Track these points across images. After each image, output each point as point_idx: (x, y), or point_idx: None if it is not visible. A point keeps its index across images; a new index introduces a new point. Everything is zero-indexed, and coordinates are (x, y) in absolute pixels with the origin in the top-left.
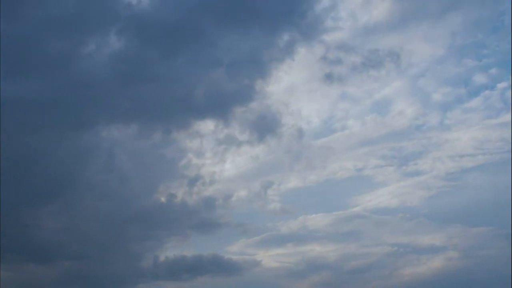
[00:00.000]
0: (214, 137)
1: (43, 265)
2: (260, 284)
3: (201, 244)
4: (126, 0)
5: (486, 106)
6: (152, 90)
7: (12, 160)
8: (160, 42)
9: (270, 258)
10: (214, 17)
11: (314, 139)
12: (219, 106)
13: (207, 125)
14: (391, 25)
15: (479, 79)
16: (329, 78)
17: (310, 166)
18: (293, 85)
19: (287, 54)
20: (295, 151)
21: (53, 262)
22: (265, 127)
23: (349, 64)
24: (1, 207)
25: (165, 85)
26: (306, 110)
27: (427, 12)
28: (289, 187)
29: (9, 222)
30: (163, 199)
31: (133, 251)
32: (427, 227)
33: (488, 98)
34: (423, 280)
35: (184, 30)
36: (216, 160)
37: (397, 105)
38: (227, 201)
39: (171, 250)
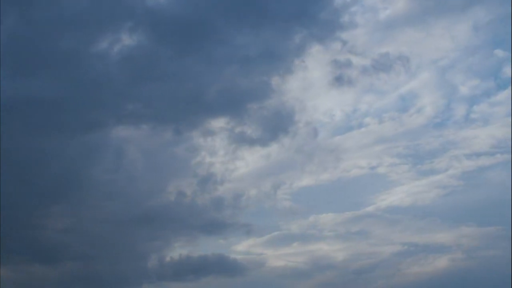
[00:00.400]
0: (226, 135)
1: (48, 266)
2: (264, 284)
3: (208, 244)
4: None
5: None
6: (165, 88)
7: (18, 160)
8: (173, 39)
9: (277, 258)
10: (229, 14)
11: (331, 136)
12: (232, 104)
13: (219, 123)
14: (411, 19)
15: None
16: (340, 79)
17: (323, 164)
18: (310, 82)
19: (302, 50)
20: (308, 149)
21: (58, 263)
22: (278, 124)
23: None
24: (7, 208)
25: (177, 83)
26: (328, 105)
27: (449, 6)
28: (301, 186)
29: (15, 222)
30: (172, 198)
31: (139, 252)
32: (439, 226)
33: None
34: (427, 280)
35: (197, 27)
36: (227, 158)
37: (420, 100)
38: (238, 200)
39: (178, 250)
